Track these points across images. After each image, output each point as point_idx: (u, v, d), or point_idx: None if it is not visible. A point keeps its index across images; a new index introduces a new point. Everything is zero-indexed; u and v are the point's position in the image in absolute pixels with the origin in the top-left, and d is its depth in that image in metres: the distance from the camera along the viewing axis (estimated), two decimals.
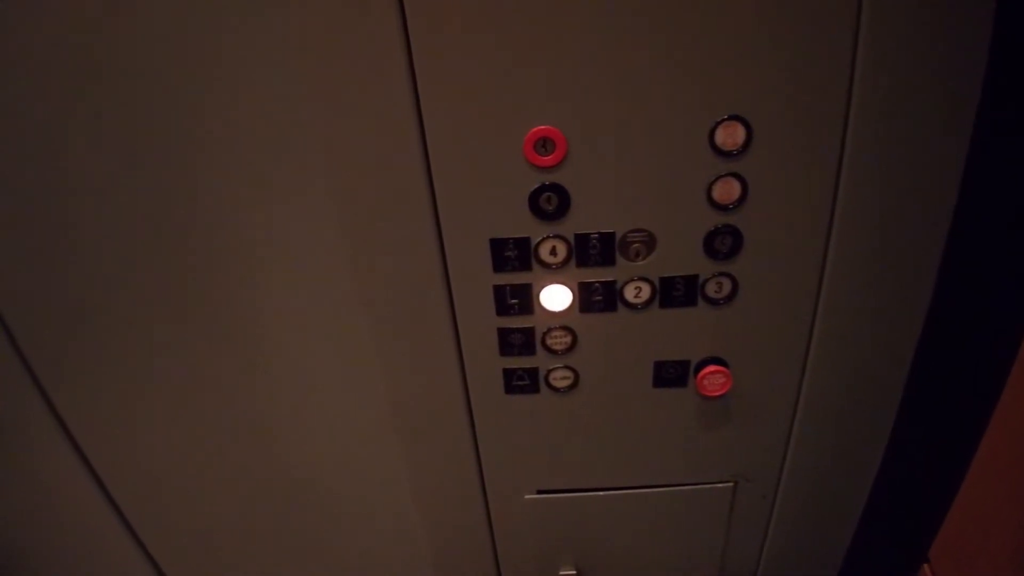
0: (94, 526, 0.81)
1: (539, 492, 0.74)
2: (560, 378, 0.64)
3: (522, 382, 0.65)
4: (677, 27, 0.48)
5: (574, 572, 0.81)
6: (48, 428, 0.72)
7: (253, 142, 0.57)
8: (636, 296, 0.59)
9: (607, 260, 0.57)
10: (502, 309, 0.60)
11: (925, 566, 0.82)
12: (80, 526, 0.81)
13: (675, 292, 0.58)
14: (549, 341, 0.62)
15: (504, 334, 0.62)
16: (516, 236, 0.56)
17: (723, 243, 0.56)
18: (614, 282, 0.58)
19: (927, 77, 0.49)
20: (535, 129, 0.51)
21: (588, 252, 0.57)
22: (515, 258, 0.57)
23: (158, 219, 0.60)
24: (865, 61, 0.49)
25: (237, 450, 0.76)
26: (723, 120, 0.51)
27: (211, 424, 0.74)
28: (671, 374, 0.63)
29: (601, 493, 0.73)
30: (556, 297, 0.59)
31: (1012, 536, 0.67)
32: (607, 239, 0.56)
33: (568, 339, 0.62)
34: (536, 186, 0.54)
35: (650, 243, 0.56)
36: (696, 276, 0.58)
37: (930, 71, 0.49)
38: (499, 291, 0.59)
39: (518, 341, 0.62)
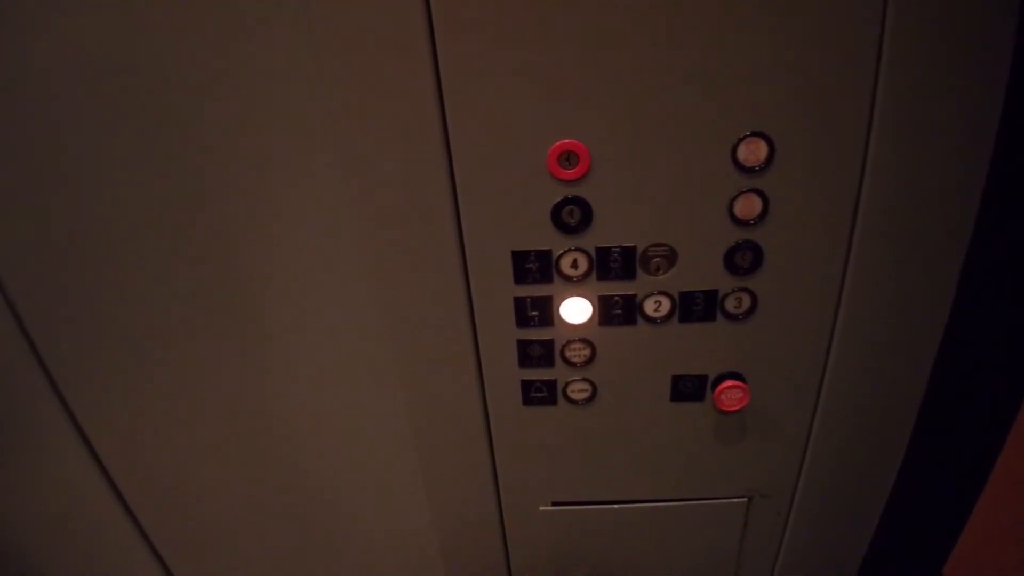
0: (106, 528, 0.81)
1: (554, 504, 0.73)
2: (578, 390, 0.64)
3: (540, 394, 0.65)
4: (701, 44, 0.48)
5: None
6: (63, 430, 0.73)
7: (277, 152, 0.58)
8: (656, 310, 0.59)
9: (628, 274, 0.57)
10: (522, 321, 0.60)
11: None
12: (92, 527, 0.82)
13: (695, 307, 0.59)
14: (568, 353, 0.62)
15: (523, 346, 0.62)
16: (538, 248, 0.57)
17: (743, 258, 0.56)
18: (634, 296, 0.59)
19: (949, 93, 0.50)
20: (559, 143, 0.52)
21: (609, 265, 0.57)
22: (536, 270, 0.58)
23: (176, 223, 0.61)
24: (887, 78, 0.49)
25: (252, 455, 0.76)
26: (746, 136, 0.51)
27: (226, 429, 0.74)
28: (688, 388, 0.63)
29: (615, 506, 0.73)
30: (576, 310, 0.59)
31: None
32: (628, 253, 0.56)
33: (587, 352, 0.62)
34: (559, 199, 0.54)
35: (671, 257, 0.57)
36: (716, 291, 0.58)
37: (952, 87, 0.49)
38: (519, 303, 0.60)
39: (537, 353, 0.62)
